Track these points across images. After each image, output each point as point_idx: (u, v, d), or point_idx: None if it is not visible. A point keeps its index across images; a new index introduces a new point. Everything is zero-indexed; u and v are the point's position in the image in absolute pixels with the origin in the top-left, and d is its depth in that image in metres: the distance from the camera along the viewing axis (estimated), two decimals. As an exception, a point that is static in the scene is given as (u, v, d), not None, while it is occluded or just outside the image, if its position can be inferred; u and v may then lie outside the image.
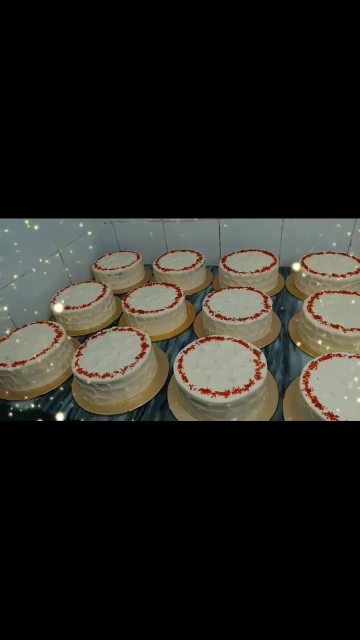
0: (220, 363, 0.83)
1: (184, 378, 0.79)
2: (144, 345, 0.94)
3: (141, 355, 0.90)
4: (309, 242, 1.34)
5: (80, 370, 0.88)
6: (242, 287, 1.17)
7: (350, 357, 0.80)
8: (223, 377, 0.78)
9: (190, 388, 0.76)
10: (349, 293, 1.04)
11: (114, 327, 1.06)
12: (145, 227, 1.58)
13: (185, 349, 0.89)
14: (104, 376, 0.85)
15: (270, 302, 1.06)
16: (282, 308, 1.19)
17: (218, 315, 1.02)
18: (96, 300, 1.22)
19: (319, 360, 0.80)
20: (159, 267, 1.39)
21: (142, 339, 0.97)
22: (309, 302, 1.01)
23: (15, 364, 0.94)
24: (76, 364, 0.92)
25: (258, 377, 0.76)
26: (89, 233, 1.57)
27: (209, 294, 1.14)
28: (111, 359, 0.91)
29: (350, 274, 1.13)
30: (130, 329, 1.03)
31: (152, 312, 1.10)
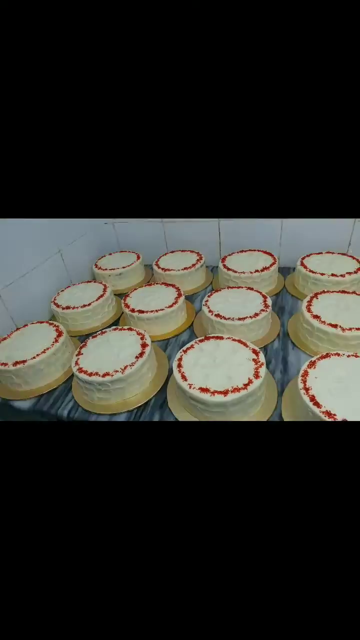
0: (220, 362, 0.83)
1: (183, 377, 0.80)
2: (144, 345, 0.94)
3: (141, 354, 0.91)
4: (308, 242, 1.35)
5: (80, 370, 0.89)
6: (242, 287, 1.17)
7: (348, 356, 0.80)
8: (222, 376, 0.79)
9: (190, 387, 0.77)
10: (348, 293, 1.04)
11: (114, 327, 1.07)
12: (145, 227, 1.58)
13: (184, 348, 0.90)
14: (104, 375, 0.85)
15: (269, 301, 1.06)
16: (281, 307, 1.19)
17: (217, 315, 1.03)
18: (96, 300, 1.23)
19: (318, 359, 0.80)
20: (159, 267, 1.39)
21: (142, 338, 0.97)
22: (308, 301, 1.02)
23: (15, 363, 0.94)
24: (76, 363, 0.92)
25: (257, 376, 0.77)
26: (89, 233, 1.57)
27: (209, 294, 1.14)
28: (111, 358, 0.92)
29: (350, 273, 1.13)
30: (130, 329, 1.03)
31: (152, 311, 1.10)
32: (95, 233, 1.62)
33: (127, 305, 1.16)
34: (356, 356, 0.80)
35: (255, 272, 1.23)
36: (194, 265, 1.37)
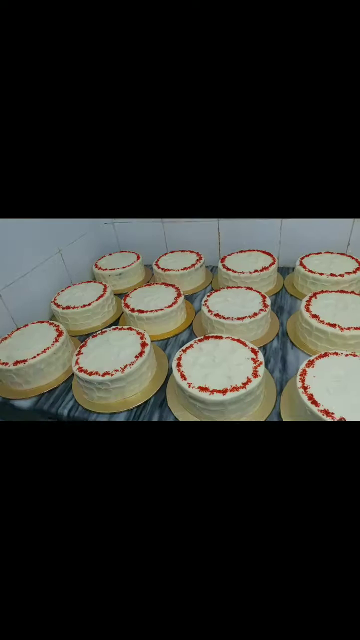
0: (219, 361, 0.84)
1: (183, 376, 0.80)
2: (144, 344, 0.95)
3: (140, 354, 0.91)
4: (307, 242, 1.35)
5: (80, 369, 0.90)
6: (241, 287, 1.18)
7: (346, 355, 0.81)
8: (221, 375, 0.79)
9: (189, 386, 0.77)
10: (346, 292, 1.05)
11: (113, 327, 1.07)
12: (145, 227, 1.59)
13: (184, 347, 0.90)
14: (104, 375, 0.86)
15: (268, 301, 1.06)
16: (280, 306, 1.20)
17: (217, 315, 1.03)
18: (96, 300, 1.23)
19: (316, 358, 0.81)
20: (158, 267, 1.40)
21: (141, 338, 0.98)
22: (306, 301, 1.02)
23: (16, 362, 0.95)
24: (76, 362, 0.93)
25: (255, 375, 0.77)
26: (89, 233, 1.58)
27: (208, 294, 1.15)
28: (111, 357, 0.92)
29: (349, 273, 1.14)
30: (130, 329, 1.04)
31: (151, 311, 1.11)
32: (95, 233, 1.63)
33: (127, 305, 1.16)
34: (354, 355, 0.80)
35: (254, 272, 1.23)
36: (193, 265, 1.37)
